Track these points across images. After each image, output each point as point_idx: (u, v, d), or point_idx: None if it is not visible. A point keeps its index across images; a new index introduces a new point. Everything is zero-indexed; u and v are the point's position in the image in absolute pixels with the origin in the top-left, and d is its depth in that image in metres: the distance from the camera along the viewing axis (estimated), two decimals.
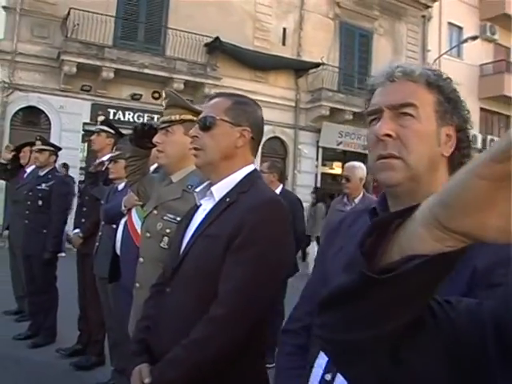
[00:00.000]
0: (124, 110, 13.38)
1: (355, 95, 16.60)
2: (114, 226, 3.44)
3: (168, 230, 1.99)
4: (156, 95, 13.61)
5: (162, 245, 2.01)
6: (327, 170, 17.49)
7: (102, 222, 3.71)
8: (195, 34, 13.72)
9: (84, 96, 12.97)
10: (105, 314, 3.86)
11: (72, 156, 11.99)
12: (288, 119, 16.15)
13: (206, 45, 14.08)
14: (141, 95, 13.45)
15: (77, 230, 4.42)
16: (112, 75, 12.58)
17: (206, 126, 1.59)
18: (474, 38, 16.71)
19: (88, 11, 12.22)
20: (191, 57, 13.81)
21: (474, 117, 20.32)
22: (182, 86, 13.33)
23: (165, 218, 2.04)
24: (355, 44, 17.49)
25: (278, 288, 1.45)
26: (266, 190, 1.56)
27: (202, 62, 13.89)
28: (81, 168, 12.60)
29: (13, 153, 5.79)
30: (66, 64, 12.15)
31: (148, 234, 2.12)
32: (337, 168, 18.40)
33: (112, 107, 13.20)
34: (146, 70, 12.81)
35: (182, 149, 2.13)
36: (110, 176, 3.72)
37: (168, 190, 2.14)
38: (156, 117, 13.39)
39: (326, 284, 1.14)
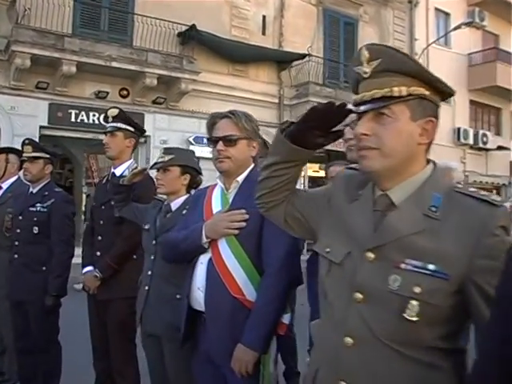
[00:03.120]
0: (88, 110, 12.46)
1: (342, 89, 16.18)
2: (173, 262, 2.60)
3: (418, 290, 1.25)
4: (124, 93, 12.81)
5: (406, 315, 1.26)
6: (314, 174, 16.91)
7: (152, 257, 2.83)
8: (166, 21, 12.86)
9: (40, 95, 11.98)
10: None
11: None
12: (271, 117, 15.44)
13: (180, 34, 13.28)
14: (107, 93, 12.59)
15: (89, 268, 3.52)
16: (74, 70, 11.61)
17: None
18: (468, 23, 16.47)
19: None
20: (162, 48, 12.93)
21: (464, 110, 20.18)
22: (154, 82, 12.56)
23: (404, 266, 1.28)
24: (340, 33, 17.04)
25: None
26: None
27: (177, 54, 13.06)
28: None
29: None
30: (18, 56, 11.12)
31: (359, 295, 1.33)
32: (321, 171, 17.85)
33: (73, 107, 12.28)
34: (114, 64, 11.92)
35: (409, 144, 1.36)
36: (160, 190, 2.92)
37: (399, 217, 1.32)
38: None
39: None
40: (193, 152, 3.24)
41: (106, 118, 3.63)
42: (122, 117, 3.61)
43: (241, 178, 2.38)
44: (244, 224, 2.22)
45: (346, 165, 4.22)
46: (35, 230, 3.74)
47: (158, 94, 13.07)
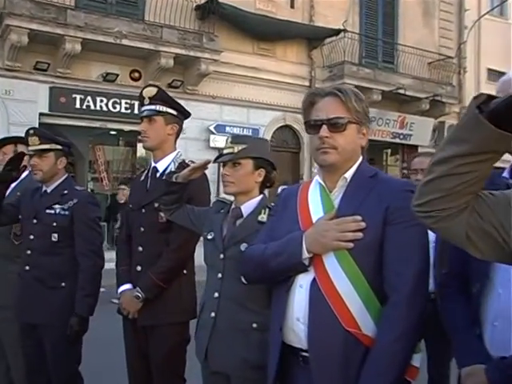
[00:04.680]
0: (94, 95, 12.38)
1: (380, 69, 16.02)
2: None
3: None
4: (135, 75, 12.81)
5: None
6: None
7: (219, 275, 2.56)
8: None
9: (39, 77, 11.92)
10: None
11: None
12: (301, 102, 15.02)
13: (198, 7, 13.14)
14: (116, 75, 12.53)
15: (127, 287, 3.22)
16: (78, 48, 11.55)
17: None
18: None
19: None
20: (179, 23, 12.80)
21: None
22: (170, 62, 12.48)
23: None
24: (378, 5, 16.82)
25: None
26: None
27: (196, 30, 12.94)
28: None
29: None
30: (13, 32, 11.03)
31: None
32: None
33: (78, 92, 12.18)
34: (124, 41, 11.85)
35: None
36: (228, 189, 2.63)
37: None
38: (137, 103, 12.20)
39: None
40: (267, 141, 2.94)
41: (141, 100, 3.33)
42: (161, 97, 3.30)
43: (349, 175, 2.06)
44: (360, 234, 1.91)
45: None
46: (54, 237, 3.47)
47: (175, 76, 12.93)
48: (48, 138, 3.63)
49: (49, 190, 3.61)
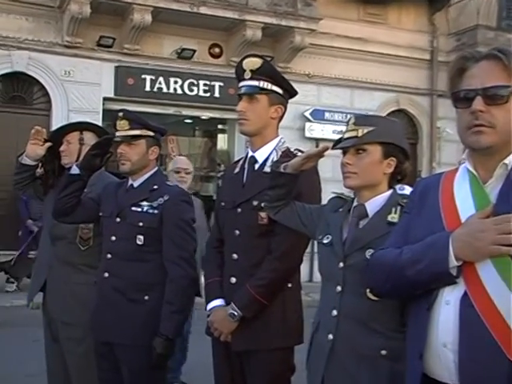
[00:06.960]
0: (167, 75, 12.72)
1: None
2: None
3: None
4: (216, 50, 13.07)
5: None
6: None
7: (338, 287, 2.62)
8: None
9: (103, 55, 12.38)
10: None
11: None
12: (419, 81, 15.33)
13: None
14: (193, 51, 12.83)
15: (219, 303, 3.31)
16: (148, 19, 11.87)
17: None
18: None
19: None
20: None
21: None
22: (258, 34, 12.67)
23: None
24: None
25: None
26: None
27: None
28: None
29: (47, 144, 4.62)
30: (74, 1, 11.42)
31: None
32: None
33: (148, 72, 12.56)
34: (202, 9, 12.05)
35: None
36: (350, 182, 2.68)
37: None
38: (218, 84, 12.41)
39: None
40: (399, 123, 2.97)
41: (240, 73, 3.38)
42: (267, 71, 3.35)
43: (510, 160, 2.01)
44: None
45: None
46: (139, 239, 3.59)
47: (263, 50, 12.84)
48: (139, 123, 3.78)
49: (136, 185, 3.76)
